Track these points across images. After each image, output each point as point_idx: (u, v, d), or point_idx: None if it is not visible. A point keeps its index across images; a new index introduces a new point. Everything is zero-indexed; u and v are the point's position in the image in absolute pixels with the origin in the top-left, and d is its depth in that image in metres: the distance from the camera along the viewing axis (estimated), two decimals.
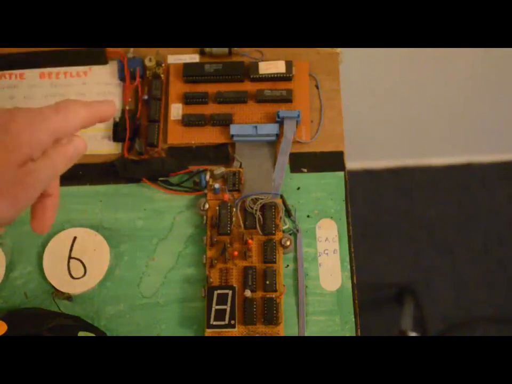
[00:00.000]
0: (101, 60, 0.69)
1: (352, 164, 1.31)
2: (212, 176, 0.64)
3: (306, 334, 0.59)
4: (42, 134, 0.46)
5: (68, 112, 0.47)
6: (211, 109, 0.67)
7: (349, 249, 0.62)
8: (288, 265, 0.62)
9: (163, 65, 0.69)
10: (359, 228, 1.18)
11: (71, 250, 0.62)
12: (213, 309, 0.59)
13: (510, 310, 1.29)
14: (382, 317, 1.28)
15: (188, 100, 0.67)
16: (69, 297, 0.61)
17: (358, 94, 1.10)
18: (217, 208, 0.62)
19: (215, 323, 0.58)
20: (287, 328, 0.59)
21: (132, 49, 0.69)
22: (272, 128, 0.65)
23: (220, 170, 0.63)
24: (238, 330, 0.59)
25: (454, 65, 1.15)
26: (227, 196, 0.63)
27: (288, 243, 0.61)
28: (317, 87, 0.68)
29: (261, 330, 0.59)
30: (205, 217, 0.63)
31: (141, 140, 0.66)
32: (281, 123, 0.65)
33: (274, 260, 0.60)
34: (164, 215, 0.64)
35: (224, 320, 0.58)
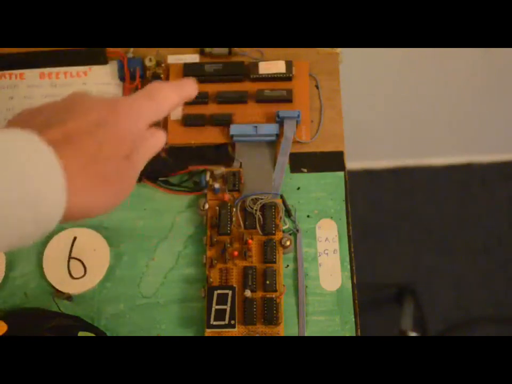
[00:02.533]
0: (101, 60, 0.69)
1: (352, 163, 1.31)
2: (212, 176, 0.64)
3: (306, 334, 0.59)
4: (140, 124, 0.46)
5: (160, 99, 0.48)
6: (211, 109, 0.67)
7: (349, 249, 0.62)
8: (288, 265, 0.62)
9: (163, 65, 0.69)
10: (359, 227, 1.18)
11: (71, 250, 0.62)
12: (213, 309, 0.59)
13: (510, 310, 1.29)
14: (382, 317, 1.28)
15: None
16: (69, 297, 0.61)
17: (358, 94, 1.10)
18: (217, 208, 0.62)
19: (215, 323, 0.58)
20: (287, 328, 0.59)
21: (132, 49, 0.69)
22: (272, 128, 0.65)
23: (219, 170, 0.63)
24: (238, 330, 0.59)
25: (454, 65, 1.15)
26: (227, 196, 0.63)
27: (288, 243, 0.61)
28: (317, 87, 0.68)
29: (261, 330, 0.59)
30: (205, 217, 0.63)
31: None
32: (281, 123, 0.65)
33: (274, 260, 0.60)
34: (163, 215, 0.64)
35: (224, 320, 0.58)
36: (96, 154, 0.43)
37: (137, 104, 0.47)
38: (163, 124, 0.67)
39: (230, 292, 0.59)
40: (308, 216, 0.63)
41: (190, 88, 0.51)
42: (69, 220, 0.43)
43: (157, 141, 0.49)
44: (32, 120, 0.44)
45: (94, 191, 0.43)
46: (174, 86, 0.49)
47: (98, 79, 0.69)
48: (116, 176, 0.44)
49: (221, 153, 0.66)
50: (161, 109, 0.48)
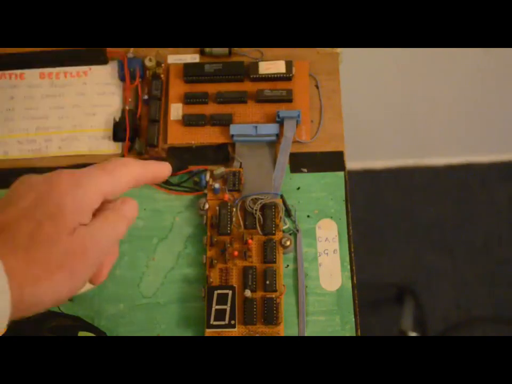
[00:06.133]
0: (101, 60, 0.69)
1: (352, 163, 1.31)
2: (212, 176, 0.64)
3: (306, 334, 0.59)
4: (91, 194, 0.43)
5: (116, 171, 0.45)
6: (211, 109, 0.67)
7: (349, 249, 0.62)
8: (288, 265, 0.62)
9: (163, 65, 0.69)
10: (359, 227, 1.18)
11: None
12: (213, 309, 0.59)
13: (510, 310, 1.29)
14: (382, 317, 1.28)
15: (188, 100, 0.67)
16: None
17: (358, 94, 1.10)
18: (217, 208, 0.62)
19: (215, 323, 0.58)
20: (287, 328, 0.59)
21: (132, 49, 0.69)
22: (272, 128, 0.65)
23: (220, 170, 0.63)
24: (238, 330, 0.59)
25: (454, 65, 1.15)
26: (227, 196, 0.63)
27: (288, 243, 0.61)
28: (317, 87, 0.68)
29: (261, 330, 0.59)
30: (205, 217, 0.63)
31: (141, 139, 0.66)
32: (281, 123, 0.65)
33: (274, 260, 0.60)
34: (164, 215, 0.64)
35: (224, 320, 0.58)
36: (34, 235, 0.40)
37: (85, 173, 0.44)
38: (163, 123, 0.67)
39: (230, 292, 0.59)
40: (308, 216, 0.63)
41: (160, 169, 0.48)
42: (22, 314, 0.40)
43: (129, 209, 0.47)
44: None
45: (44, 278, 0.40)
46: (141, 164, 0.47)
47: (98, 79, 0.69)
48: (64, 257, 0.41)
49: (221, 153, 0.66)
50: (117, 182, 0.45)
